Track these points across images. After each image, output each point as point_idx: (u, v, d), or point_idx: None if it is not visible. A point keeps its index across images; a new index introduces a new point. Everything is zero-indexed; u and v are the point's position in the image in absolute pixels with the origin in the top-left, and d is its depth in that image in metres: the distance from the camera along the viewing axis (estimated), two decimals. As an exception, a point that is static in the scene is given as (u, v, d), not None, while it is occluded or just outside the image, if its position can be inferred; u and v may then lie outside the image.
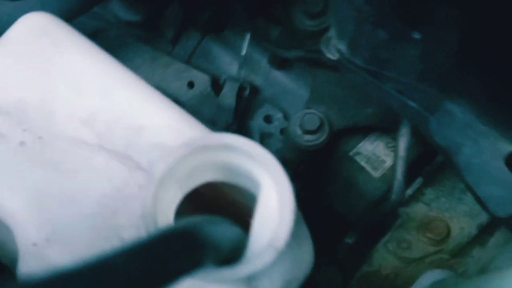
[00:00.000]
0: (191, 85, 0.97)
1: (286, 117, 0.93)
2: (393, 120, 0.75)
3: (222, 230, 0.39)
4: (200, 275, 0.35)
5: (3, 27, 0.52)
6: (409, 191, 0.75)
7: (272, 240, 0.40)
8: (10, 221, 0.44)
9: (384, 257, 0.72)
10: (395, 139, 0.83)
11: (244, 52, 0.95)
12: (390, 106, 0.64)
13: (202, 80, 0.97)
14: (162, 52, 0.99)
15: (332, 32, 0.68)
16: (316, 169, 0.86)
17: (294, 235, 0.40)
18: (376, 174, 0.83)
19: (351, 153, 0.85)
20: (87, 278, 0.26)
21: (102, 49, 0.52)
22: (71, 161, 0.46)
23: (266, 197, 0.42)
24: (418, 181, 0.76)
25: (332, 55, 0.68)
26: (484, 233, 0.71)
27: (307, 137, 0.80)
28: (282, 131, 0.92)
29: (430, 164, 0.77)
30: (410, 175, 0.75)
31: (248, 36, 0.94)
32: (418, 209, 0.73)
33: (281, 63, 0.95)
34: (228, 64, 0.99)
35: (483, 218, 0.71)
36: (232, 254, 0.40)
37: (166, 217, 0.42)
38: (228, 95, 0.92)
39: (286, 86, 0.95)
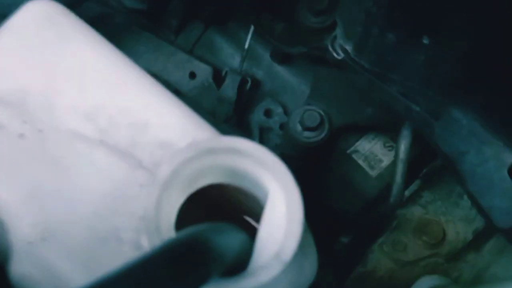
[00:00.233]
0: (192, 75, 0.95)
1: (286, 112, 0.91)
2: (392, 120, 0.73)
3: (228, 240, 0.37)
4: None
5: (6, 11, 0.48)
6: (406, 193, 0.73)
7: (278, 252, 0.38)
8: (5, 216, 0.41)
9: (379, 259, 0.70)
10: (393, 139, 0.82)
11: (247, 45, 0.92)
12: (394, 109, 0.62)
13: (204, 71, 0.95)
14: (165, 41, 0.96)
15: (338, 32, 0.65)
16: (314, 165, 0.84)
17: (300, 245, 0.38)
18: (372, 173, 0.82)
19: (349, 151, 0.83)
20: None
21: (109, 42, 0.49)
22: (71, 156, 0.43)
23: (274, 204, 0.40)
24: (416, 183, 0.74)
25: (337, 55, 0.65)
26: (479, 239, 0.69)
27: (307, 133, 0.77)
28: (282, 126, 0.90)
29: (428, 166, 0.75)
30: (406, 176, 0.73)
31: (251, 29, 0.91)
32: (415, 211, 0.71)
33: (283, 58, 0.93)
34: (231, 56, 0.96)
35: (479, 223, 0.70)
36: (237, 263, 0.37)
37: (168, 220, 0.39)
38: (229, 88, 0.90)
39: (287, 81, 0.93)
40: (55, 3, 0.48)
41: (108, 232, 0.41)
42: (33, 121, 0.44)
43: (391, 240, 0.70)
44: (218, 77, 0.94)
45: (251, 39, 0.91)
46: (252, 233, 0.42)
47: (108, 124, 0.44)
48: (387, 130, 0.81)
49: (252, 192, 0.44)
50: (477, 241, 0.69)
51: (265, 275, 0.37)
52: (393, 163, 0.76)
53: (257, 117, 0.92)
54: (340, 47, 0.64)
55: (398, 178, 0.68)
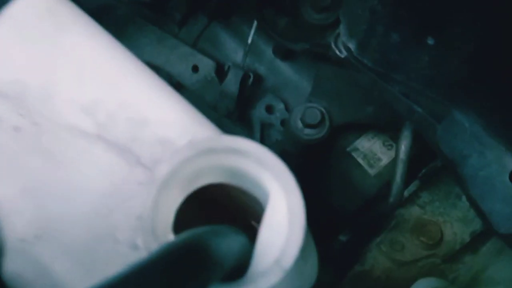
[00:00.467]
0: (195, 69, 0.93)
1: (287, 108, 0.89)
2: (392, 120, 0.71)
3: (228, 244, 0.35)
4: None
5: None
6: (405, 193, 0.72)
7: (279, 258, 0.36)
8: (-2, 210, 0.39)
9: (377, 258, 0.68)
10: (392, 138, 0.80)
11: (250, 40, 0.90)
12: (396, 109, 0.60)
13: (206, 65, 0.93)
14: (169, 34, 0.95)
15: (342, 29, 0.63)
16: (313, 162, 0.83)
17: (301, 249, 0.36)
18: (371, 171, 0.80)
19: (348, 149, 0.82)
20: None
21: (110, 34, 0.46)
22: (67, 151, 0.40)
23: (275, 208, 0.38)
24: (415, 183, 0.73)
25: (340, 53, 0.64)
26: (477, 240, 0.68)
27: (307, 131, 0.76)
28: (283, 122, 0.89)
29: (428, 167, 0.74)
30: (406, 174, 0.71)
31: (254, 24, 0.89)
32: (413, 212, 0.70)
33: (285, 54, 0.92)
34: (233, 51, 0.95)
35: (477, 225, 0.68)
36: (236, 267, 0.36)
37: (165, 222, 0.37)
38: (232, 83, 0.88)
39: (289, 77, 0.92)
40: (56, -7, 0.46)
41: (104, 231, 0.39)
42: (29, 113, 0.41)
43: (389, 239, 0.69)
44: (220, 71, 0.92)
45: (254, 34, 0.89)
46: (253, 233, 0.40)
47: (107, 118, 0.41)
48: (387, 129, 0.79)
49: (253, 193, 0.42)
50: (475, 242, 0.68)
51: (265, 283, 0.35)
52: (392, 162, 0.75)
53: (258, 112, 0.91)
54: (343, 45, 0.62)
55: (398, 178, 0.67)
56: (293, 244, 0.36)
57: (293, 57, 0.92)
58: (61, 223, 0.39)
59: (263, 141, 0.90)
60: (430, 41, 0.52)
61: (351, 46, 0.60)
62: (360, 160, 0.81)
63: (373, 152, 0.81)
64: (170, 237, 0.38)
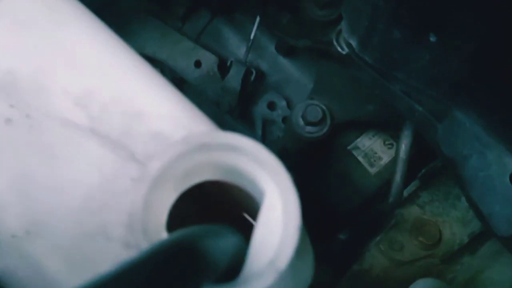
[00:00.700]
0: (198, 64, 0.92)
1: (289, 105, 0.88)
2: (393, 118, 0.70)
3: (222, 245, 0.33)
4: None
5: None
6: (404, 192, 0.71)
7: (273, 259, 0.34)
8: (-12, 205, 0.38)
9: (376, 257, 0.67)
10: (393, 137, 0.79)
11: (252, 35, 0.89)
12: (397, 108, 0.59)
13: (209, 60, 0.92)
14: (172, 29, 0.94)
15: (343, 25, 0.62)
16: (314, 160, 0.82)
17: (297, 250, 0.35)
18: (372, 170, 0.79)
19: (349, 147, 0.81)
20: None
21: (105, 25, 0.45)
22: (59, 145, 0.39)
23: (270, 207, 0.36)
24: (414, 183, 0.72)
25: (341, 49, 0.62)
26: (475, 241, 0.67)
27: (309, 128, 0.75)
28: (285, 119, 0.88)
29: (428, 167, 0.73)
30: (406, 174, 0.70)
31: (257, 20, 0.88)
32: (412, 211, 0.69)
33: (288, 51, 0.91)
34: (236, 46, 0.94)
35: (475, 226, 0.67)
36: (230, 267, 0.34)
37: (157, 220, 0.36)
38: (234, 78, 0.87)
39: (291, 74, 0.91)
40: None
41: (96, 228, 0.37)
42: (21, 105, 0.40)
43: (388, 239, 0.67)
44: (223, 67, 0.92)
45: (256, 30, 0.88)
46: (249, 230, 0.39)
47: (100, 111, 0.40)
48: (388, 127, 0.78)
49: (249, 191, 0.41)
50: (473, 244, 0.67)
51: (259, 285, 0.34)
52: (393, 161, 0.74)
53: (260, 109, 0.90)
54: (345, 41, 0.61)
55: (398, 177, 0.66)
56: (288, 245, 0.35)
57: (295, 54, 0.91)
58: (52, 219, 0.37)
59: (264, 137, 0.90)
60: (432, 39, 0.51)
61: (353, 42, 0.59)
62: (360, 159, 0.80)
63: (374, 151, 0.80)
64: (163, 235, 0.37)
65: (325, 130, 0.75)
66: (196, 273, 0.29)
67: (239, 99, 0.88)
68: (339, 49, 0.63)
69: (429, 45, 0.51)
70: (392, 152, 0.77)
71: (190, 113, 0.43)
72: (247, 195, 0.43)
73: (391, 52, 0.55)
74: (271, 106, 0.90)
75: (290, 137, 0.80)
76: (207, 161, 0.38)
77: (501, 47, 0.49)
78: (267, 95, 0.90)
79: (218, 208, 0.47)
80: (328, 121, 0.75)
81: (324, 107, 0.75)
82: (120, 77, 0.42)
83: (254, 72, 0.88)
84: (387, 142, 0.80)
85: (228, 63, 0.89)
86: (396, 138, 0.70)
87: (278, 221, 0.36)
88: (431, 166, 0.72)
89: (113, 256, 0.37)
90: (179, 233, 0.32)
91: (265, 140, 0.89)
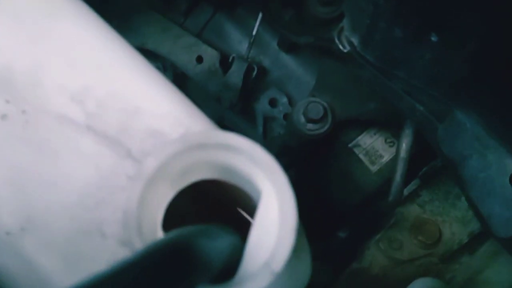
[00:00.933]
0: (199, 59, 0.92)
1: (290, 102, 0.88)
2: (394, 117, 0.70)
3: (218, 245, 0.33)
4: None
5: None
6: (405, 191, 0.70)
7: (269, 260, 0.34)
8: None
9: (375, 256, 0.67)
10: (394, 135, 0.79)
11: (255, 31, 0.89)
12: (398, 107, 0.58)
13: (211, 55, 0.92)
14: (174, 24, 0.93)
15: (345, 23, 0.62)
16: (315, 157, 0.81)
17: (293, 250, 0.34)
18: (373, 168, 0.79)
19: (350, 145, 0.81)
20: None
21: (103, 20, 0.44)
22: (55, 141, 0.39)
23: (266, 207, 0.36)
24: (415, 182, 0.71)
25: (343, 47, 0.62)
26: (474, 241, 0.67)
27: (310, 125, 0.75)
28: (286, 116, 0.87)
29: (428, 166, 0.73)
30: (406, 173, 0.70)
31: (259, 16, 0.88)
32: (412, 210, 0.69)
33: (290, 47, 0.90)
34: (238, 42, 0.93)
35: (475, 226, 0.67)
36: (226, 268, 0.34)
37: (153, 217, 0.35)
38: (236, 74, 0.87)
39: (293, 71, 0.90)
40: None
41: (92, 225, 0.37)
42: (17, 100, 0.39)
43: (388, 237, 0.67)
44: (225, 63, 0.91)
45: (259, 26, 0.87)
46: (248, 230, 0.38)
47: (96, 108, 0.40)
48: (389, 125, 0.78)
49: (246, 190, 0.41)
50: (472, 243, 0.67)
51: (253, 286, 0.33)
52: (393, 160, 0.73)
53: (262, 105, 0.89)
54: (346, 39, 0.61)
55: (398, 176, 0.65)
56: (284, 246, 0.34)
57: (297, 51, 0.91)
58: (47, 215, 0.37)
59: (265, 134, 0.89)
60: (433, 38, 0.51)
61: (354, 40, 0.59)
62: (361, 157, 0.80)
63: (375, 149, 0.80)
64: (159, 233, 0.36)
65: (326, 127, 0.75)
66: (190, 273, 0.28)
67: (241, 95, 0.88)
68: (340, 47, 0.62)
69: (430, 45, 0.51)
70: (393, 150, 0.77)
71: (188, 111, 0.43)
72: (244, 194, 0.42)
73: (392, 51, 0.55)
74: (273, 102, 0.89)
75: (291, 134, 0.80)
76: (204, 160, 0.37)
77: (501, 48, 0.49)
78: (269, 91, 0.89)
79: (215, 207, 0.47)
80: (330, 119, 0.75)
81: (325, 105, 0.75)
82: (117, 73, 0.42)
83: (255, 68, 0.87)
84: (388, 140, 0.80)
85: (230, 59, 0.89)
86: (398, 136, 0.70)
87: (274, 222, 0.35)
88: (432, 165, 0.72)
89: (108, 253, 0.37)
90: (174, 232, 0.32)
91: (266, 137, 0.89)
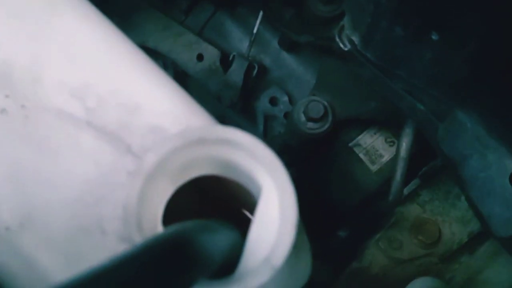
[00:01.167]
0: (200, 58, 0.92)
1: (291, 101, 0.88)
2: (395, 116, 0.70)
3: (218, 240, 0.33)
4: None
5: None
6: (405, 191, 0.71)
7: (269, 256, 0.34)
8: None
9: (375, 255, 0.67)
10: (395, 134, 0.79)
11: (255, 30, 0.89)
12: (398, 106, 0.59)
13: (211, 54, 0.92)
14: (175, 21, 0.94)
15: (346, 22, 0.62)
16: (315, 156, 0.82)
17: (293, 247, 0.34)
18: (373, 167, 0.79)
19: (350, 144, 0.81)
20: None
21: (104, 16, 0.45)
22: (55, 137, 0.39)
23: (267, 203, 0.36)
24: (415, 181, 0.72)
25: (343, 46, 0.62)
26: (474, 241, 0.67)
27: (310, 124, 0.75)
28: (286, 115, 0.87)
29: (428, 166, 0.73)
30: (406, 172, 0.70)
31: (260, 15, 0.88)
32: (412, 210, 0.69)
33: (291, 46, 0.90)
34: (239, 41, 0.93)
35: (475, 226, 0.67)
36: (226, 264, 0.34)
37: (153, 213, 0.35)
38: (236, 73, 0.87)
39: (294, 70, 0.91)
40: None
41: (91, 221, 0.37)
42: (16, 95, 0.39)
43: (388, 237, 0.68)
44: (225, 61, 0.91)
45: (260, 24, 0.87)
46: (246, 225, 0.38)
47: (97, 103, 0.39)
48: (390, 125, 0.78)
49: (246, 186, 0.41)
50: (472, 243, 0.67)
51: (254, 281, 0.33)
52: (394, 159, 0.74)
53: (262, 104, 0.90)
54: (347, 38, 0.61)
55: (398, 176, 0.66)
56: (284, 242, 0.34)
57: (298, 49, 0.91)
58: (46, 212, 0.37)
59: (266, 133, 0.89)
60: (434, 37, 0.51)
61: (355, 39, 0.59)
62: (362, 156, 0.80)
63: (375, 149, 0.80)
64: (159, 229, 0.37)
65: (326, 126, 0.75)
66: (190, 268, 0.28)
67: (241, 94, 0.88)
68: (341, 45, 0.63)
69: (431, 44, 0.51)
70: (393, 150, 0.77)
71: (189, 107, 0.43)
72: (245, 190, 0.43)
73: (393, 50, 0.55)
74: (273, 101, 0.89)
75: (291, 133, 0.80)
76: (204, 155, 0.37)
77: (502, 48, 0.49)
78: (269, 90, 0.90)
79: (216, 204, 0.47)
80: (330, 118, 0.75)
81: (326, 103, 0.75)
82: (118, 69, 0.42)
83: (256, 67, 0.88)
84: (388, 140, 0.80)
85: (231, 57, 0.89)
86: (398, 136, 0.70)
87: (274, 218, 0.35)
88: (432, 165, 0.72)
89: (108, 250, 0.37)
90: (174, 227, 0.32)
91: (266, 135, 0.89)
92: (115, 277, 0.24)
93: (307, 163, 0.82)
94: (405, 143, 0.65)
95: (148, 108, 0.41)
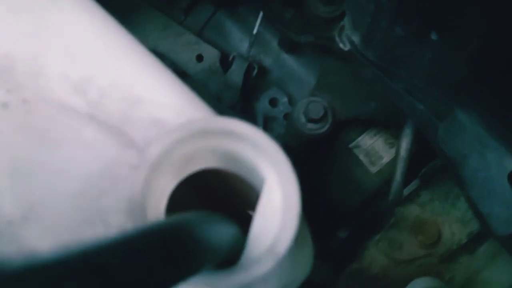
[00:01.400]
0: (200, 58, 0.93)
1: (291, 102, 0.89)
2: (395, 116, 0.71)
3: (220, 231, 0.34)
4: (192, 281, 0.30)
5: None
6: (405, 191, 0.72)
7: (272, 245, 0.35)
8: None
9: (375, 255, 0.68)
10: (394, 135, 0.80)
11: (255, 30, 0.90)
12: (397, 105, 0.59)
13: (211, 54, 0.92)
14: (174, 21, 0.94)
15: (346, 22, 0.63)
16: (315, 157, 0.82)
17: (296, 238, 0.35)
18: (373, 169, 0.80)
19: (350, 145, 0.81)
20: (65, 273, 0.21)
21: (105, 10, 0.45)
22: (57, 130, 0.39)
23: (270, 194, 0.37)
24: (415, 182, 0.72)
25: (344, 46, 0.63)
26: (474, 241, 0.68)
27: (310, 125, 0.76)
28: (286, 116, 0.88)
29: (428, 166, 0.74)
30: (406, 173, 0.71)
31: (260, 15, 0.89)
32: (412, 210, 0.70)
33: (291, 46, 0.91)
34: (239, 41, 0.94)
35: (474, 226, 0.68)
36: (228, 257, 0.35)
37: (157, 206, 0.36)
38: (236, 73, 0.88)
39: (294, 70, 0.91)
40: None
41: (95, 214, 0.38)
42: (18, 90, 0.40)
43: (388, 237, 0.68)
44: (225, 62, 0.92)
45: (260, 25, 0.88)
46: (248, 223, 0.39)
47: (99, 97, 0.40)
48: (390, 125, 0.79)
49: (249, 179, 0.41)
50: (472, 243, 0.68)
51: (257, 270, 0.34)
52: (393, 160, 0.75)
53: (262, 105, 0.90)
54: (347, 38, 0.62)
55: (398, 176, 0.67)
56: (287, 231, 0.35)
57: (299, 50, 0.91)
58: (49, 205, 0.37)
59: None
60: (434, 37, 0.52)
61: (355, 39, 0.60)
62: (361, 157, 0.81)
63: (375, 150, 0.81)
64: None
65: (326, 127, 0.76)
66: (193, 256, 0.29)
67: (241, 94, 0.88)
68: (341, 45, 0.64)
69: (431, 44, 0.52)
70: (393, 151, 0.78)
71: (191, 100, 0.43)
72: (248, 186, 0.43)
73: (393, 50, 0.56)
74: (273, 102, 0.90)
75: (291, 133, 0.81)
76: (207, 147, 0.38)
77: (502, 48, 0.50)
78: (269, 91, 0.90)
79: (218, 202, 0.48)
80: (330, 119, 0.76)
81: (326, 104, 0.76)
82: (119, 63, 0.42)
83: (256, 68, 0.88)
84: (388, 141, 0.81)
85: (230, 58, 0.90)
86: (398, 137, 0.71)
87: (277, 208, 0.36)
88: (432, 166, 0.73)
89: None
90: (178, 216, 0.32)
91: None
92: (119, 252, 0.24)
93: (307, 164, 0.83)
94: (405, 143, 0.66)
95: (150, 102, 0.42)
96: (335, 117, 0.76)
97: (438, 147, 0.55)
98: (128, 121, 0.40)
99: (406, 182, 0.69)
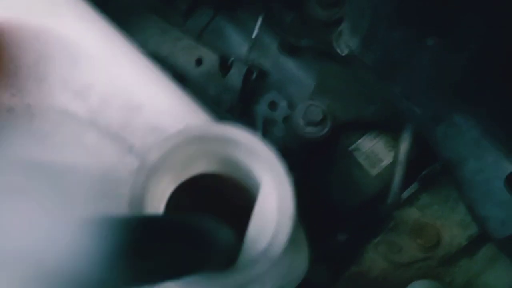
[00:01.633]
0: (199, 62, 0.93)
1: (290, 105, 0.90)
2: (394, 119, 0.72)
3: (223, 233, 0.36)
4: (189, 281, 0.31)
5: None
6: (404, 195, 0.72)
7: (268, 247, 0.36)
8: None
9: (374, 259, 0.69)
10: (394, 138, 0.81)
11: (255, 34, 0.91)
12: (396, 109, 0.60)
13: (211, 58, 0.93)
14: (174, 26, 0.95)
15: (344, 27, 0.64)
16: (315, 160, 0.83)
17: (291, 240, 0.37)
18: (372, 172, 0.81)
19: (350, 148, 0.82)
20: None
21: (106, 18, 0.47)
22: (59, 135, 0.41)
23: (265, 198, 0.38)
24: (414, 185, 0.73)
25: (341, 51, 0.64)
26: (473, 244, 0.68)
27: (309, 128, 0.77)
28: (286, 119, 0.89)
29: (427, 169, 0.74)
30: (405, 176, 0.72)
31: (260, 19, 0.90)
32: (411, 214, 0.70)
33: (291, 50, 0.92)
34: (238, 45, 0.95)
35: (474, 229, 0.69)
36: (223, 260, 0.36)
37: (155, 209, 0.38)
38: (235, 77, 0.89)
39: (294, 74, 0.92)
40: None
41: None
42: (22, 94, 0.41)
43: (387, 241, 0.69)
44: (224, 65, 0.93)
45: (259, 29, 0.89)
46: (243, 229, 0.40)
47: (100, 103, 0.42)
48: (389, 128, 0.80)
49: (245, 183, 0.43)
50: (471, 247, 0.69)
51: (253, 271, 0.35)
52: (393, 163, 0.75)
53: (261, 109, 0.91)
54: (345, 43, 0.63)
55: (397, 179, 0.67)
56: (282, 233, 0.36)
57: (298, 54, 0.92)
58: None
59: (265, 137, 0.91)
60: (431, 42, 0.53)
61: (353, 44, 0.61)
62: (361, 160, 0.81)
63: (375, 153, 0.82)
64: None
65: (325, 130, 0.77)
66: (205, 251, 0.31)
67: (240, 98, 0.89)
68: (338, 50, 0.65)
69: (428, 48, 0.53)
70: (393, 154, 0.79)
71: (189, 106, 0.45)
72: (245, 192, 0.45)
73: (391, 54, 0.57)
74: (272, 106, 0.91)
75: (290, 137, 0.82)
76: (204, 153, 0.39)
77: (500, 52, 0.51)
78: (269, 94, 0.91)
79: (216, 205, 0.49)
80: (329, 122, 0.77)
81: (325, 108, 0.77)
82: (120, 70, 0.44)
83: (255, 72, 0.89)
84: (388, 144, 0.81)
85: (230, 62, 0.91)
86: (397, 140, 0.72)
87: (273, 211, 0.37)
88: (431, 169, 0.74)
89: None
90: (186, 215, 0.34)
91: (266, 140, 0.90)
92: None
93: (307, 166, 0.84)
94: (404, 147, 0.67)
95: (150, 109, 0.43)
96: (334, 120, 0.77)
97: (436, 150, 0.56)
98: (128, 128, 0.42)
99: (405, 185, 0.70)
